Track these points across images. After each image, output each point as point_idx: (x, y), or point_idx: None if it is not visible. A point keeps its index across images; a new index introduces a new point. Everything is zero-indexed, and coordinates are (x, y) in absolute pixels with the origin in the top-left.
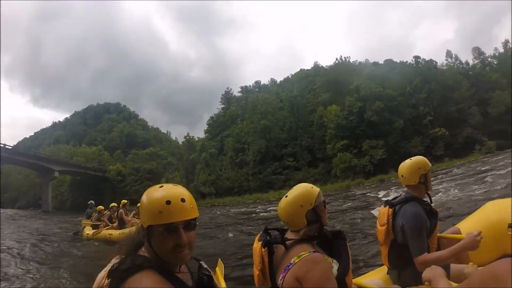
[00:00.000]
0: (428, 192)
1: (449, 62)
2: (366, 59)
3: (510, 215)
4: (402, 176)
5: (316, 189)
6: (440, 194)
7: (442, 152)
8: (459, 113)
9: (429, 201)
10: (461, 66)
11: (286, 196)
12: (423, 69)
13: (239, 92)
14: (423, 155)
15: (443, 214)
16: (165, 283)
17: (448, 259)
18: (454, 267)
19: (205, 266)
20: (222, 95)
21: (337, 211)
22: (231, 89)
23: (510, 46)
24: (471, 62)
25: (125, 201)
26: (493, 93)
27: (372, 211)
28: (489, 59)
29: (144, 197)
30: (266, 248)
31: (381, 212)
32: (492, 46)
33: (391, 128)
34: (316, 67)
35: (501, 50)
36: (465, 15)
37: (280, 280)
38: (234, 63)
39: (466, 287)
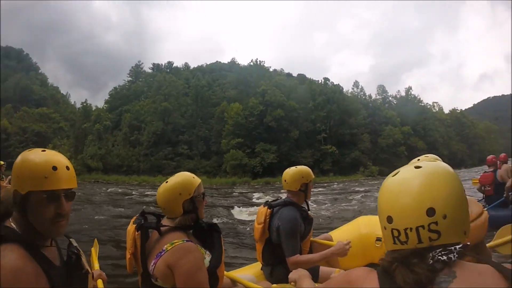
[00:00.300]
0: (307, 200)
1: (354, 91)
2: (281, 68)
3: (378, 229)
4: (285, 181)
5: (197, 180)
6: (315, 203)
7: (329, 167)
8: (351, 137)
9: (306, 208)
10: (364, 97)
11: (167, 182)
12: (329, 91)
13: (150, 69)
14: (310, 167)
15: (318, 221)
16: (30, 259)
17: (318, 262)
18: (323, 270)
19: (75, 244)
20: (132, 67)
21: (216, 205)
22: (142, 63)
23: (412, 92)
24: (373, 97)
25: (2, 162)
26: (386, 127)
27: (232, 211)
28: (390, 98)
29: (21, 160)
30: (139, 232)
31: (260, 212)
32: (396, 89)
33: (287, 136)
34: (232, 63)
35: (403, 93)
36: (383, 57)
37: (152, 266)
38: (153, 37)
39: (325, 287)
